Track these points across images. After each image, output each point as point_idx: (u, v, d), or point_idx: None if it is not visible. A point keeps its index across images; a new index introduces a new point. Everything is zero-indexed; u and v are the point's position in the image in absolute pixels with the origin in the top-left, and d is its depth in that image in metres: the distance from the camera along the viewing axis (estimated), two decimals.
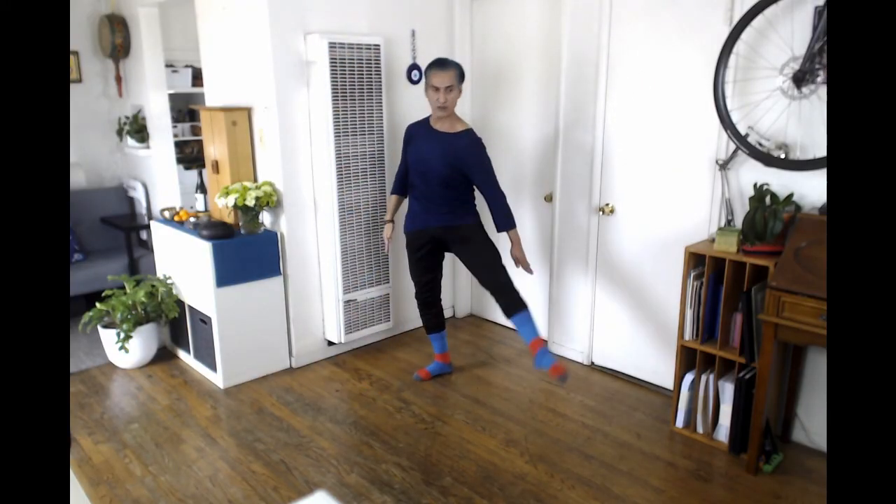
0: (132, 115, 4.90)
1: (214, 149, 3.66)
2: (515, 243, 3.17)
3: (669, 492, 2.60)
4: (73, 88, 4.84)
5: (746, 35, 2.76)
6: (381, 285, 3.85)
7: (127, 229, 4.65)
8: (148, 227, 4.71)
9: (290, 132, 3.49)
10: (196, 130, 5.77)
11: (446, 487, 2.63)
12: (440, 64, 3.08)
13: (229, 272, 3.40)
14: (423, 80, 3.26)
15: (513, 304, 3.11)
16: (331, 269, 3.65)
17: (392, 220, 3.45)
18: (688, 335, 2.94)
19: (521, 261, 3.18)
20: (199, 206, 3.80)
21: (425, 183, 3.19)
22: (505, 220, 3.13)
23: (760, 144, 2.77)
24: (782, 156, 2.71)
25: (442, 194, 3.18)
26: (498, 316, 4.36)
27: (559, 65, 3.58)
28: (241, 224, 3.54)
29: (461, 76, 3.12)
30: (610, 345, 3.67)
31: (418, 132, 3.24)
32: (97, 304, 3.67)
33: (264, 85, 3.42)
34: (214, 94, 3.87)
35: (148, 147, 4.87)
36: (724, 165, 2.93)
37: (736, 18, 2.77)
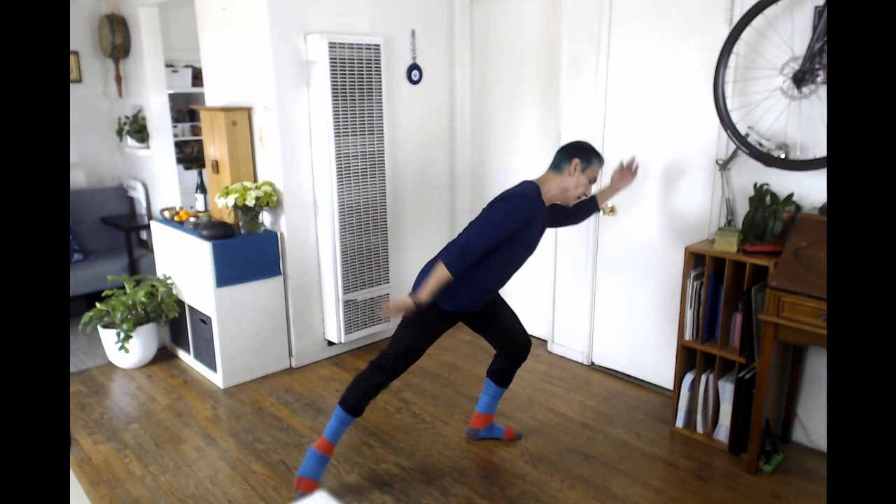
0: (132, 115, 4.91)
1: (214, 149, 3.66)
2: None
3: (669, 492, 2.60)
4: (73, 88, 4.84)
5: (746, 35, 2.76)
6: (380, 285, 3.85)
7: (127, 229, 4.65)
8: (148, 227, 4.71)
9: (290, 132, 3.49)
10: (196, 130, 5.77)
11: (446, 487, 2.63)
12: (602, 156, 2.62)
13: (229, 272, 3.40)
14: (577, 165, 2.50)
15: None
16: (331, 269, 3.65)
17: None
18: (688, 335, 2.94)
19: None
20: (199, 206, 3.80)
21: (519, 264, 2.62)
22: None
23: (760, 144, 2.77)
24: (782, 156, 2.71)
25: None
26: None
27: (559, 65, 3.58)
28: (241, 224, 3.54)
29: None
30: (610, 345, 3.67)
31: (540, 211, 2.53)
32: (97, 304, 3.67)
33: (264, 85, 3.42)
34: (214, 94, 3.87)
35: (148, 147, 4.87)
36: (724, 165, 2.93)
37: (736, 18, 2.77)
